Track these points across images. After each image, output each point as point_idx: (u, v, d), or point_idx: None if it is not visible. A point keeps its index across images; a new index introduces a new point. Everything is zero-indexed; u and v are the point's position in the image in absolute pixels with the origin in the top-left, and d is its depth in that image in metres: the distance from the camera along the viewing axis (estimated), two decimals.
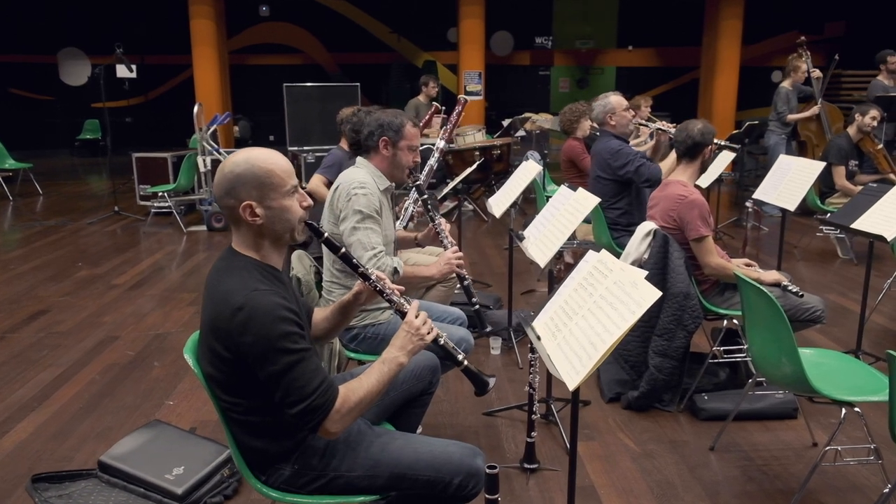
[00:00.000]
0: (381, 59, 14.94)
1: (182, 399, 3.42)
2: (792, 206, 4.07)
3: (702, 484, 2.68)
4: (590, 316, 1.88)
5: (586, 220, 3.08)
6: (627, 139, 4.45)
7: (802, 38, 7.47)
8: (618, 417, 3.22)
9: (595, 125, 4.60)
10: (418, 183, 3.08)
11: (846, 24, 13.73)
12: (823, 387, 2.34)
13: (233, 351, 1.63)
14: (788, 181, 4.23)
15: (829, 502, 2.56)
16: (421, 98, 8.18)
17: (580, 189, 3.14)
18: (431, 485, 1.81)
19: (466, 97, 5.17)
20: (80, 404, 3.37)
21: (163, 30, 13.96)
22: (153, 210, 7.99)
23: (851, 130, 5.98)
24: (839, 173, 5.86)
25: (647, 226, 3.23)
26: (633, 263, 3.17)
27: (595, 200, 2.98)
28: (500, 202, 4.03)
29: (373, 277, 1.93)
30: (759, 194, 4.47)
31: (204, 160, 7.40)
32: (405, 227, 3.77)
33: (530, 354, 2.69)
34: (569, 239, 2.96)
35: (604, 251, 2.05)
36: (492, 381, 1.98)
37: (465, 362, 1.95)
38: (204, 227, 7.35)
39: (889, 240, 3.32)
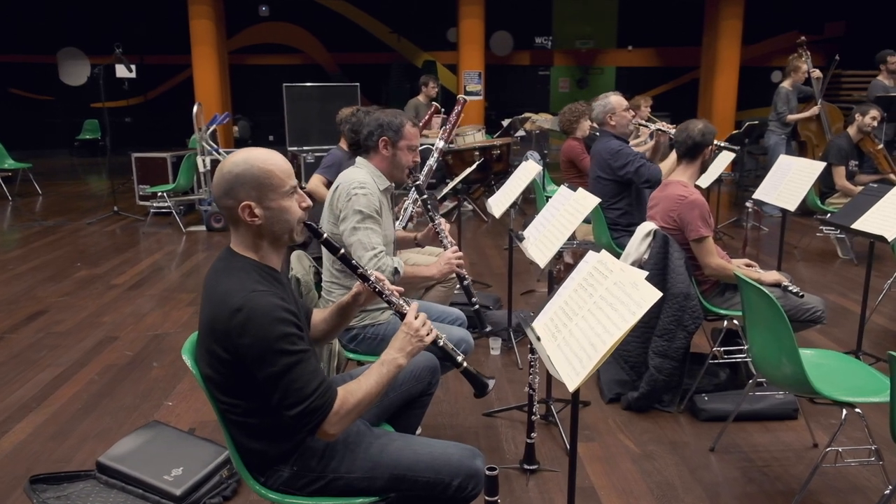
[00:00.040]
0: (381, 59, 14.94)
1: (181, 399, 3.41)
2: (792, 206, 4.06)
3: (702, 485, 2.67)
4: (590, 317, 1.87)
5: (586, 221, 3.07)
6: (627, 139, 4.44)
7: (802, 38, 7.46)
8: (618, 418, 3.21)
9: (595, 125, 4.60)
10: (418, 183, 3.08)
11: (846, 24, 13.73)
12: (824, 388, 2.34)
13: (231, 352, 1.62)
14: (789, 181, 4.22)
15: (830, 503, 2.55)
16: (420, 98, 8.17)
17: (580, 189, 3.13)
18: (431, 486, 1.80)
19: (466, 97, 5.16)
20: (79, 405, 3.36)
21: (162, 30, 13.96)
22: (152, 210, 7.98)
23: (851, 130, 5.97)
24: (839, 173, 5.85)
25: (647, 226, 3.22)
26: (632, 264, 3.16)
27: (595, 201, 2.98)
28: (499, 202, 4.02)
29: (372, 278, 1.92)
30: (759, 194, 4.46)
31: (203, 160, 7.39)
32: (404, 228, 3.77)
33: (530, 355, 2.68)
34: (568, 239, 2.95)
35: (604, 251, 2.05)
36: (491, 383, 1.97)
37: (465, 364, 1.94)
38: (203, 228, 7.34)
39: (889, 240, 3.31)
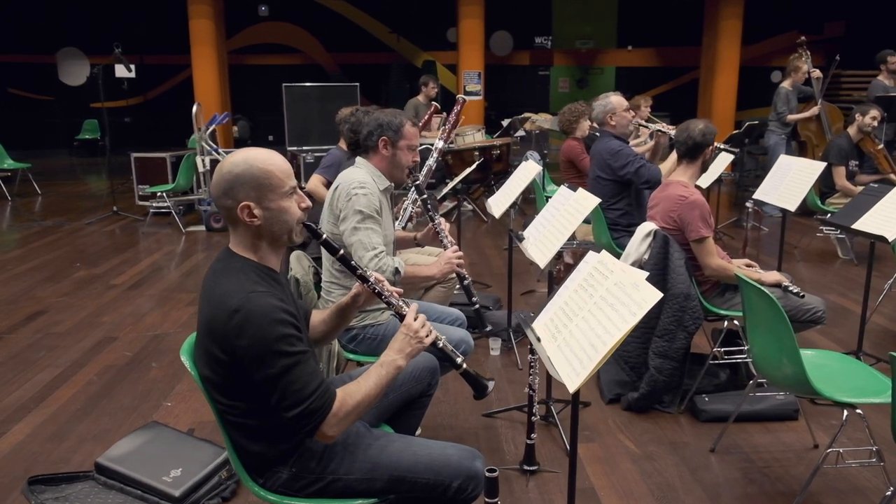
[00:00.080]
0: (381, 59, 14.93)
1: (180, 400, 3.40)
2: (792, 206, 4.05)
3: (702, 486, 2.67)
4: (590, 317, 1.86)
5: (586, 221, 3.06)
6: (627, 140, 4.43)
7: (802, 38, 7.45)
8: (618, 419, 3.20)
9: (595, 125, 4.59)
10: (417, 182, 3.07)
11: (846, 24, 13.72)
12: (825, 388, 2.33)
13: (229, 353, 1.61)
14: (789, 181, 4.22)
15: None
16: (420, 98, 8.17)
17: (580, 189, 3.12)
18: (430, 488, 1.79)
19: (465, 97, 5.15)
20: (78, 405, 3.35)
21: (162, 30, 13.95)
22: (152, 210, 7.97)
23: (852, 130, 5.97)
24: (839, 173, 5.84)
25: (647, 226, 3.22)
26: (633, 264, 3.15)
27: (595, 201, 2.97)
28: (499, 202, 4.02)
29: (371, 279, 1.91)
30: (759, 194, 4.45)
31: (203, 160, 7.38)
32: (404, 228, 3.76)
33: (530, 356, 2.67)
34: (568, 239, 2.95)
35: (604, 252, 2.04)
36: (490, 385, 1.96)
37: (464, 366, 1.93)
38: (203, 228, 7.34)
39: (890, 240, 3.30)
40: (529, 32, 15.12)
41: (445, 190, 5.57)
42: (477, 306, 2.93)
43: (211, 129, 7.62)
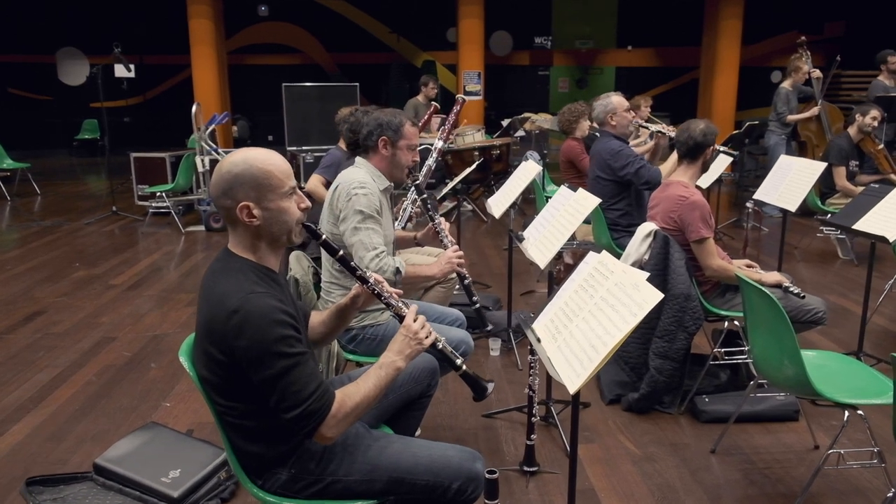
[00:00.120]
0: (381, 59, 14.93)
1: (179, 401, 3.39)
2: (793, 206, 4.05)
3: (703, 487, 2.66)
4: (591, 318, 1.85)
5: (586, 221, 3.05)
6: (627, 140, 4.43)
7: (803, 38, 7.45)
8: (618, 419, 3.20)
9: (595, 125, 4.58)
10: (417, 182, 3.06)
11: (846, 24, 13.73)
12: (826, 389, 2.32)
13: (228, 354, 1.60)
14: (789, 182, 4.21)
15: None
16: (420, 98, 8.16)
17: (580, 189, 3.11)
18: (430, 489, 1.79)
19: (464, 97, 5.14)
20: (77, 406, 3.35)
21: (161, 30, 13.94)
22: (151, 210, 7.97)
23: (852, 131, 5.96)
24: (840, 174, 5.84)
25: (647, 226, 3.21)
26: (633, 264, 3.15)
27: (596, 201, 2.96)
28: (499, 202, 4.01)
29: (371, 280, 1.90)
30: (759, 195, 4.45)
31: (202, 160, 7.37)
32: (403, 228, 3.75)
33: (530, 356, 2.66)
34: (568, 240, 2.94)
35: (604, 252, 2.03)
36: (490, 387, 1.95)
37: (464, 367, 1.92)
38: (202, 228, 7.33)
39: (891, 241, 3.30)
40: (529, 32, 15.11)
41: (445, 190, 5.56)
42: (478, 305, 2.92)
43: (210, 128, 7.61)
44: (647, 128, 4.73)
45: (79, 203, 9.06)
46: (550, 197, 3.38)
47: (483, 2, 11.18)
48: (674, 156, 3.62)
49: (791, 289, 2.99)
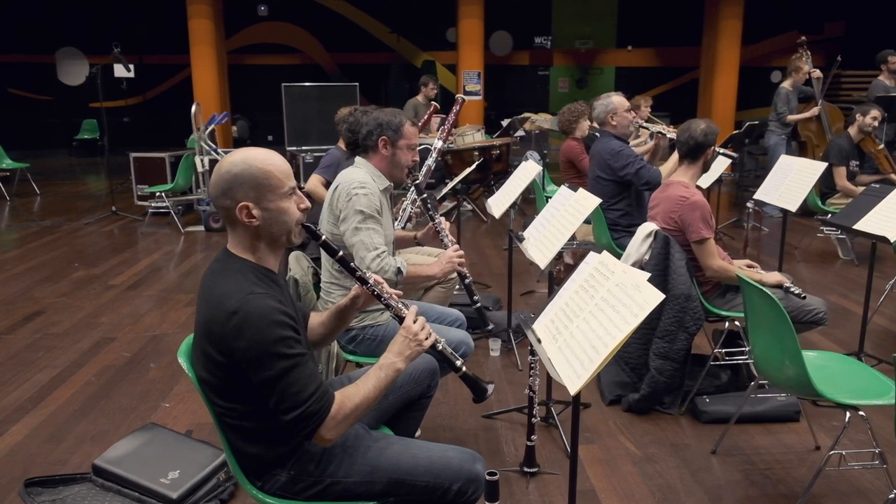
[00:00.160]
0: (381, 59, 14.92)
1: (178, 401, 3.39)
2: (793, 206, 4.04)
3: (704, 488, 2.65)
4: (591, 319, 1.85)
5: (586, 221, 3.05)
6: (627, 140, 4.42)
7: (803, 38, 7.44)
8: (618, 420, 3.19)
9: (595, 125, 4.58)
10: (417, 182, 3.05)
11: (846, 24, 13.72)
12: (827, 390, 2.31)
13: (227, 355, 1.59)
14: (790, 182, 4.20)
15: None
16: (420, 98, 8.16)
17: (581, 189, 3.11)
18: (430, 491, 1.78)
19: (464, 97, 5.13)
20: (76, 406, 3.34)
21: (161, 29, 13.94)
22: (151, 210, 7.96)
23: (852, 131, 5.95)
24: (840, 174, 5.83)
25: (648, 227, 3.20)
26: (633, 265, 3.14)
27: (596, 201, 2.95)
28: (499, 203, 4.00)
29: (370, 281, 1.90)
30: (760, 195, 4.44)
31: (202, 160, 7.37)
32: (403, 228, 3.74)
33: (530, 357, 2.66)
34: (568, 240, 2.93)
35: (605, 253, 2.02)
36: (490, 388, 1.94)
37: (464, 368, 1.91)
38: (202, 228, 7.32)
39: (892, 241, 3.29)
40: (529, 32, 15.11)
41: (445, 190, 5.55)
42: (479, 305, 2.91)
43: (210, 128, 7.60)
44: (647, 128, 4.72)
45: (78, 203, 9.05)
46: (550, 197, 3.38)
47: (483, 2, 11.18)
48: (674, 156, 3.61)
49: (792, 289, 2.99)
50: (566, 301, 2.03)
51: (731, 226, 7.21)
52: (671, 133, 4.32)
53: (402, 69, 14.53)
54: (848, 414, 2.34)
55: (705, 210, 3.12)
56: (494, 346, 3.94)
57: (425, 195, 3.12)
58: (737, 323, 3.19)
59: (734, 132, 7.17)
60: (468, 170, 5.06)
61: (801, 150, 7.88)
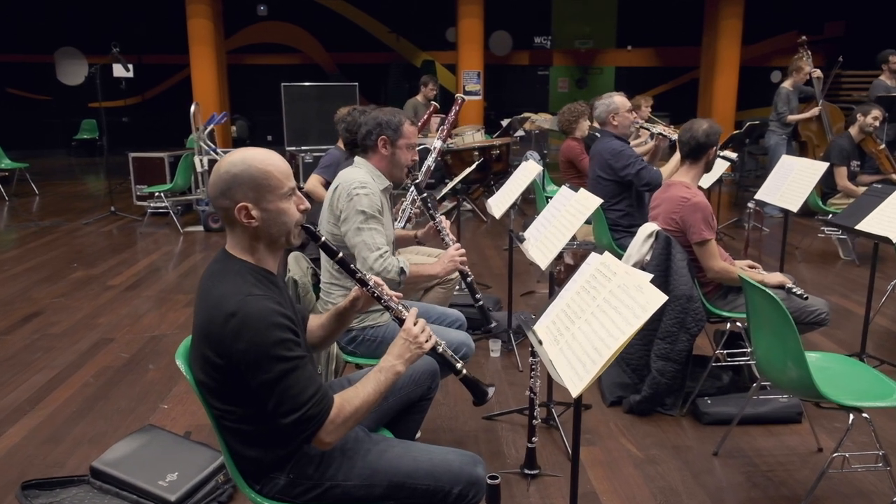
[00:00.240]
0: (380, 59, 14.91)
1: (177, 402, 3.37)
2: (795, 206, 4.02)
3: (706, 490, 2.63)
4: (593, 320, 1.83)
5: (587, 221, 3.03)
6: (627, 140, 4.41)
7: (804, 37, 7.43)
8: (619, 422, 3.17)
9: (596, 125, 4.56)
10: (417, 181, 3.04)
11: (846, 24, 13.72)
12: (831, 392, 2.30)
13: (225, 358, 1.58)
14: (791, 182, 4.19)
15: None
16: (419, 98, 8.14)
17: (582, 190, 3.09)
18: (431, 494, 1.76)
19: (464, 97, 5.12)
20: (74, 408, 3.32)
21: (160, 29, 13.92)
22: (150, 210, 7.94)
23: (853, 130, 5.94)
24: (841, 174, 5.82)
25: (649, 227, 3.18)
26: (634, 265, 3.12)
27: (597, 201, 2.94)
28: (499, 203, 3.99)
29: (370, 283, 1.88)
30: (761, 195, 4.43)
31: (201, 160, 7.35)
32: (403, 228, 3.73)
33: (531, 358, 2.64)
34: (569, 240, 2.91)
35: (607, 253, 2.01)
36: (491, 391, 1.93)
37: (464, 371, 1.90)
38: (201, 228, 7.30)
39: (894, 241, 3.27)
40: (529, 32, 15.10)
41: (445, 190, 5.54)
42: (481, 303, 2.90)
43: (209, 128, 7.59)
44: (647, 129, 4.71)
45: (77, 203, 9.03)
46: (551, 197, 3.36)
47: (483, 1, 11.16)
48: (676, 156, 3.59)
49: (794, 290, 2.97)
50: (568, 302, 2.02)
51: (731, 226, 7.20)
52: (673, 135, 4.30)
53: (402, 69, 14.52)
54: (851, 416, 2.32)
55: (707, 211, 3.10)
56: (495, 347, 3.92)
57: (425, 195, 3.11)
58: (738, 324, 3.17)
59: (735, 132, 7.16)
60: (468, 170, 5.04)
61: (802, 150, 7.87)
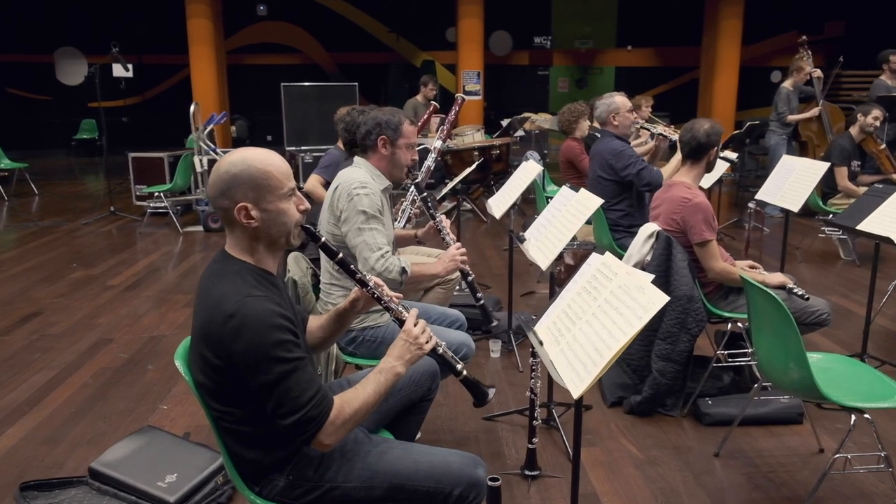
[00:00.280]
0: (380, 59, 14.90)
1: (176, 403, 3.36)
2: (796, 207, 4.02)
3: (707, 491, 2.63)
4: (594, 321, 1.82)
5: (587, 222, 3.02)
6: (628, 140, 4.40)
7: (804, 37, 7.42)
8: (620, 422, 3.16)
9: (596, 125, 4.55)
10: (417, 181, 3.03)
11: (846, 24, 13.72)
12: (832, 393, 2.29)
13: (224, 359, 1.57)
14: (792, 182, 4.18)
15: None
16: (419, 98, 8.13)
17: (582, 190, 3.08)
18: (431, 496, 1.75)
19: (463, 96, 5.11)
20: (73, 408, 3.31)
21: (160, 29, 13.91)
22: (149, 210, 7.93)
23: (854, 130, 5.93)
24: (842, 174, 5.81)
25: (649, 227, 3.17)
26: (635, 266, 3.11)
27: (598, 202, 2.93)
28: (499, 203, 3.98)
29: (370, 284, 1.87)
30: (762, 195, 4.42)
31: (201, 160, 7.34)
32: (403, 227, 3.72)
33: (531, 358, 2.63)
34: (569, 240, 2.91)
35: (608, 254, 2.00)
36: (491, 392, 1.92)
37: (465, 372, 1.89)
38: (200, 228, 7.29)
39: None
40: (529, 32, 15.10)
41: (445, 190, 5.53)
42: (482, 302, 2.89)
43: (209, 128, 7.58)
44: (648, 129, 4.70)
45: (76, 203, 9.02)
46: (551, 197, 3.35)
47: (483, 1, 11.16)
48: (677, 156, 3.59)
49: (795, 290, 2.96)
50: (569, 303, 2.01)
51: (731, 226, 7.19)
52: (673, 135, 4.29)
53: (402, 69, 14.52)
54: (853, 417, 2.31)
55: (708, 212, 3.09)
56: (495, 348, 3.91)
57: (425, 194, 3.10)
58: (739, 324, 3.16)
59: (735, 132, 7.15)
60: (468, 170, 5.03)
61: (802, 150, 7.86)
